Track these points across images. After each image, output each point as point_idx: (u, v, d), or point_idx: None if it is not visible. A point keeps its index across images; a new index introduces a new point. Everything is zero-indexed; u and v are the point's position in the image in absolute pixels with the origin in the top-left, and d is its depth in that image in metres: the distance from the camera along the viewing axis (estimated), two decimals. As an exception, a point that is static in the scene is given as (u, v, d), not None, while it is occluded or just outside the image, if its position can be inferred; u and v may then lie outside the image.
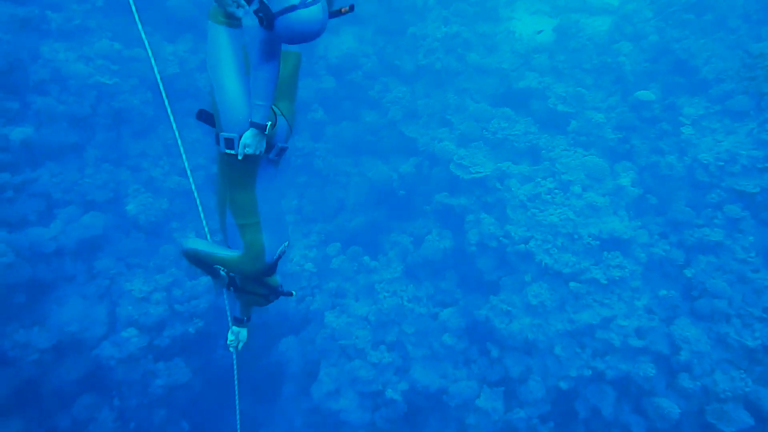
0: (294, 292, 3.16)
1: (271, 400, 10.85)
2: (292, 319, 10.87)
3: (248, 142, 2.50)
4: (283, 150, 2.76)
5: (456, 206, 10.58)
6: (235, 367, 3.40)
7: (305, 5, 2.11)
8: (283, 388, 10.80)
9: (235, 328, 3.33)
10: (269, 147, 2.64)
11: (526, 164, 10.48)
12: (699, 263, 9.23)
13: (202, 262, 2.99)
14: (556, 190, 10.15)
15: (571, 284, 9.59)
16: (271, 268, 2.95)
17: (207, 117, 2.64)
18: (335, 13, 2.29)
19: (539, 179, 10.25)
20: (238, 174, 2.64)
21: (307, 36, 2.18)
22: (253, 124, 2.48)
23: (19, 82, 9.65)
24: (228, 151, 2.55)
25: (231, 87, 2.51)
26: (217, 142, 2.58)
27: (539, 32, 11.05)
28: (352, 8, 2.33)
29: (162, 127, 10.92)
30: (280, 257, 2.93)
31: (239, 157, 2.53)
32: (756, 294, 8.76)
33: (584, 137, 10.17)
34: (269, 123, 2.49)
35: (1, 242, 9.08)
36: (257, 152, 2.54)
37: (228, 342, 3.33)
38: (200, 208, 3.17)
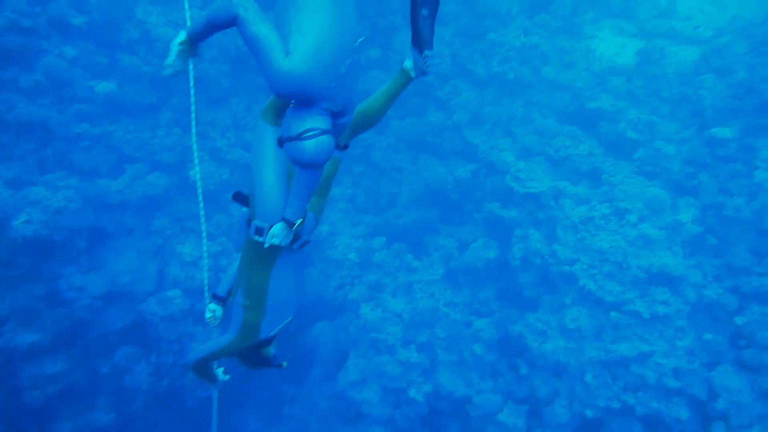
0: (285, 364, 3.21)
1: (298, 380, 11.10)
2: (329, 305, 11.07)
3: (277, 233, 2.65)
4: (306, 242, 2.91)
5: (506, 218, 10.53)
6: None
7: (301, 138, 2.23)
8: (311, 371, 11.02)
9: (212, 305, 3.41)
10: (294, 239, 2.79)
11: (584, 186, 10.32)
12: (752, 312, 8.89)
13: (205, 372, 3.25)
14: (611, 217, 9.96)
15: (612, 314, 9.42)
16: (266, 342, 3.08)
17: (242, 199, 2.86)
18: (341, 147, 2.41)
19: (595, 203, 10.07)
20: (260, 259, 2.80)
21: (302, 164, 2.31)
22: (284, 219, 2.64)
23: (111, 39, 10.15)
24: (256, 237, 2.72)
25: (269, 182, 2.66)
26: (248, 226, 2.76)
27: (696, 27, 10.64)
28: (346, 147, 2.46)
29: (234, 99, 11.29)
30: (276, 334, 3.08)
31: (265, 246, 2.69)
32: (809, 354, 8.39)
33: (650, 167, 9.93)
34: (299, 220, 2.64)
35: (72, 188, 9.64)
36: (282, 244, 2.69)
37: (206, 319, 3.41)
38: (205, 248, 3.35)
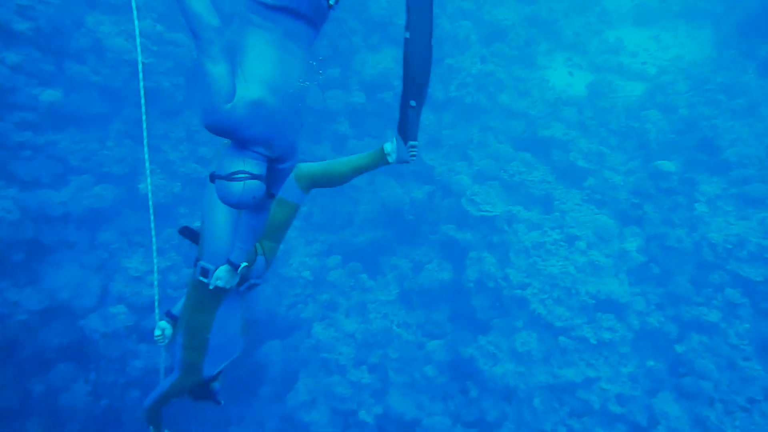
0: (222, 402, 3.24)
1: (246, 400, 10.82)
2: (280, 323, 10.88)
3: (221, 275, 2.66)
4: (254, 285, 2.92)
5: (461, 240, 10.61)
6: (162, 362, 3.36)
7: (230, 178, 2.22)
8: (260, 390, 10.77)
9: (163, 323, 3.34)
10: (241, 281, 2.80)
11: (537, 211, 10.52)
12: (691, 341, 9.20)
13: (155, 417, 3.26)
14: (562, 243, 10.17)
15: (561, 338, 9.58)
16: (212, 379, 3.09)
17: (191, 234, 2.86)
18: (270, 195, 2.42)
19: (547, 228, 10.28)
20: (204, 299, 2.81)
21: (229, 204, 2.32)
22: (229, 262, 2.64)
23: (59, 47, 9.78)
24: (201, 278, 2.71)
25: (219, 223, 2.70)
26: (194, 266, 2.75)
27: (643, 63, 11.00)
28: (272, 196, 2.48)
29: (188, 112, 11.04)
30: (220, 372, 3.08)
31: (210, 287, 2.68)
32: (743, 382, 8.71)
33: (599, 195, 10.21)
34: (244, 264, 2.65)
35: (10, 199, 9.18)
36: (227, 286, 2.69)
37: (155, 336, 3.34)
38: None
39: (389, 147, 2.94)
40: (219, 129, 2.15)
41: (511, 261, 10.27)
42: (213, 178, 2.30)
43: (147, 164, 2.95)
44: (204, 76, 2.12)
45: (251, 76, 2.14)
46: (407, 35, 2.60)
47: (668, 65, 11.93)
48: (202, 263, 2.70)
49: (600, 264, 9.82)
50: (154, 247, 3.15)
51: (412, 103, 2.75)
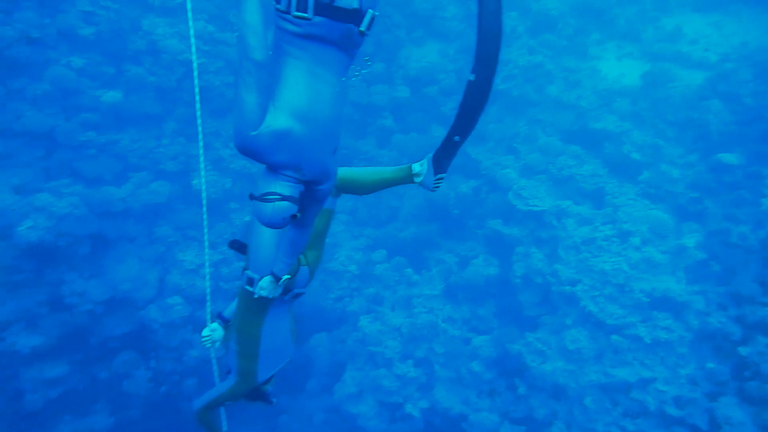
0: (275, 401, 3.34)
1: (294, 391, 11.10)
2: (328, 316, 11.08)
3: (265, 286, 2.76)
4: (298, 295, 3.00)
5: (507, 236, 10.45)
6: (214, 363, 3.44)
7: (261, 199, 2.30)
8: (308, 382, 11.02)
9: (214, 325, 3.41)
10: (285, 291, 2.88)
11: (587, 206, 10.21)
12: (757, 344, 8.70)
13: (209, 420, 3.34)
14: (614, 238, 9.84)
15: (613, 337, 9.30)
16: (264, 384, 3.22)
17: (239, 247, 2.96)
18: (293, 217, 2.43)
19: (598, 224, 9.96)
20: (252, 307, 2.91)
21: (261, 223, 2.36)
22: (272, 274, 2.73)
23: (118, 50, 10.28)
24: (247, 287, 2.83)
25: (265, 236, 2.80)
26: (242, 275, 2.87)
27: (706, 50, 10.45)
28: (294, 217, 2.49)
29: (238, 111, 11.34)
30: (273, 375, 3.19)
31: (255, 296, 2.79)
32: (813, 388, 8.18)
33: (654, 190, 9.79)
34: (286, 276, 2.74)
35: (77, 195, 9.76)
36: (271, 296, 2.79)
37: (203, 337, 3.40)
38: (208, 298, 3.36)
39: (418, 168, 2.94)
40: (246, 152, 2.23)
41: (560, 257, 10.03)
42: (251, 197, 2.39)
43: (201, 161, 3.08)
44: (236, 100, 2.20)
45: (281, 104, 2.19)
46: (472, 78, 2.60)
47: (731, 52, 11.24)
48: (248, 273, 2.82)
49: (656, 261, 9.44)
50: (206, 243, 3.24)
51: (456, 138, 2.77)
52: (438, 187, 2.97)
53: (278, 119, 2.18)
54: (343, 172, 3.06)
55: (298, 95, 2.20)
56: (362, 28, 2.22)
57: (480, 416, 9.81)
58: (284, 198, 2.28)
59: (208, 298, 3.41)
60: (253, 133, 2.16)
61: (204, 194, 3.14)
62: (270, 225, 2.34)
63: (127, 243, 10.42)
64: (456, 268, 10.79)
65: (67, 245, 9.72)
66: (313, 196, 2.43)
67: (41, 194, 9.55)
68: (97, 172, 10.20)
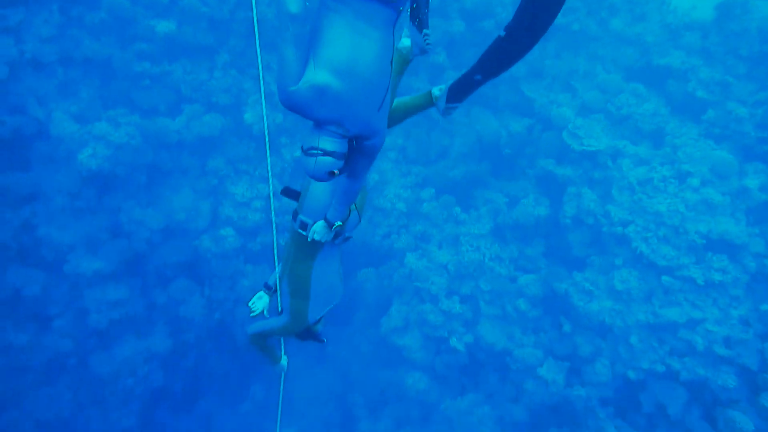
0: (325, 340, 3.46)
1: (342, 324, 11.43)
2: (375, 252, 11.23)
3: (318, 230, 2.83)
4: (348, 238, 3.07)
5: (560, 176, 10.31)
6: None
7: (306, 153, 2.36)
8: (355, 315, 11.31)
9: (261, 293, 3.52)
10: (336, 235, 2.94)
11: (645, 146, 9.96)
12: (816, 285, 8.59)
13: (263, 347, 3.45)
14: (672, 179, 9.63)
15: (664, 278, 9.24)
16: (314, 324, 3.31)
17: (291, 194, 3.02)
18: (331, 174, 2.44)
19: (656, 164, 9.74)
20: (303, 250, 2.99)
21: (307, 174, 2.43)
22: (325, 219, 2.80)
23: (171, -22, 10.16)
24: (300, 231, 2.89)
25: (321, 185, 2.88)
26: (294, 219, 2.93)
27: None
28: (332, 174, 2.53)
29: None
30: (323, 316, 3.29)
31: (308, 240, 2.86)
32: None
33: (719, 129, 9.47)
34: (338, 223, 2.81)
35: (133, 125, 9.91)
36: (323, 240, 2.85)
37: (250, 302, 3.51)
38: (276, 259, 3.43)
39: (437, 92, 2.93)
40: (288, 107, 2.26)
41: (614, 197, 9.88)
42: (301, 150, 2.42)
43: (263, 95, 3.14)
44: (277, 55, 2.23)
45: (321, 61, 2.18)
46: (502, 33, 2.56)
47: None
48: (302, 217, 2.89)
49: (714, 202, 9.24)
50: (270, 174, 3.36)
51: (478, 77, 2.74)
52: (450, 114, 2.97)
53: (317, 75, 2.19)
54: None
55: (338, 51, 2.18)
56: None
57: (524, 351, 9.98)
58: (327, 153, 2.32)
59: (273, 219, 3.41)
60: (293, 88, 2.19)
61: (266, 128, 3.17)
62: (314, 178, 2.41)
63: (180, 174, 10.62)
64: (505, 208, 10.74)
65: (125, 174, 9.97)
66: (362, 149, 2.45)
67: (99, 123, 9.73)
68: (152, 102, 10.29)
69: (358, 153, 2.46)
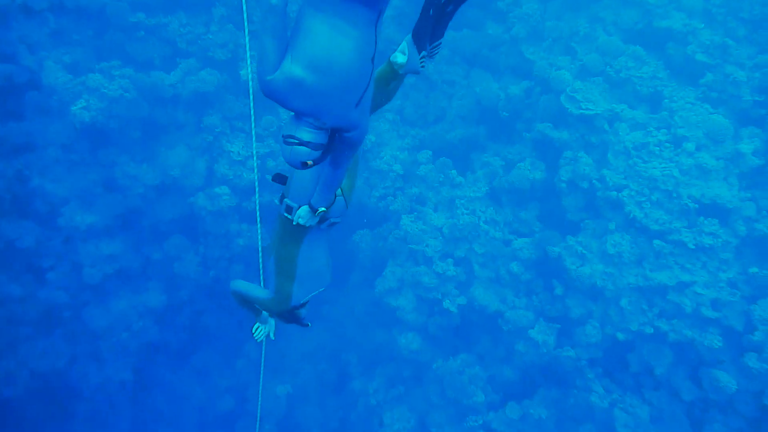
0: (310, 324, 3.47)
1: (337, 285, 11.49)
2: (370, 214, 11.25)
3: (302, 215, 2.85)
4: (334, 223, 3.08)
5: (556, 140, 10.31)
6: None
7: (283, 141, 2.41)
8: (350, 276, 11.38)
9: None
10: (322, 220, 2.97)
11: (642, 110, 9.96)
12: (804, 248, 8.72)
13: (245, 302, 3.44)
14: (667, 144, 9.66)
15: (656, 242, 9.34)
16: (298, 308, 3.32)
17: (280, 179, 3.04)
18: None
19: (652, 129, 9.74)
20: (289, 234, 3.01)
21: (285, 161, 2.49)
22: (309, 204, 2.83)
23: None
24: (285, 214, 2.92)
25: (307, 170, 2.79)
26: (280, 202, 2.97)
27: None
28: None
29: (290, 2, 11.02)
30: (308, 301, 3.31)
31: (293, 223, 2.89)
32: None
33: (716, 93, 9.47)
34: (322, 209, 2.84)
35: (128, 78, 9.77)
36: (308, 224, 2.88)
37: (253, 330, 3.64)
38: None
39: (398, 57, 2.80)
40: (265, 94, 2.30)
41: (609, 162, 9.92)
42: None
43: (248, 51, 3.14)
44: (258, 43, 2.28)
45: (297, 53, 2.21)
46: None
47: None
48: (287, 201, 2.92)
49: (708, 167, 9.29)
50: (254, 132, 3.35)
51: (431, 12, 2.66)
52: (423, 66, 2.85)
53: (292, 67, 2.22)
54: None
55: (314, 46, 2.20)
56: None
57: (516, 313, 10.13)
58: (303, 143, 2.35)
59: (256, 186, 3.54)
60: (269, 77, 2.23)
61: (251, 85, 3.11)
62: (291, 165, 2.45)
63: (176, 130, 10.53)
64: (501, 171, 10.76)
65: (119, 128, 9.88)
66: (343, 140, 2.48)
67: (93, 75, 9.60)
68: (147, 55, 10.15)
69: (339, 143, 2.50)
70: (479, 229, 10.56)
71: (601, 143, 10.06)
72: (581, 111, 10.11)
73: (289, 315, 3.33)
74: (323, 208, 2.82)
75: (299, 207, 2.87)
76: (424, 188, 11.10)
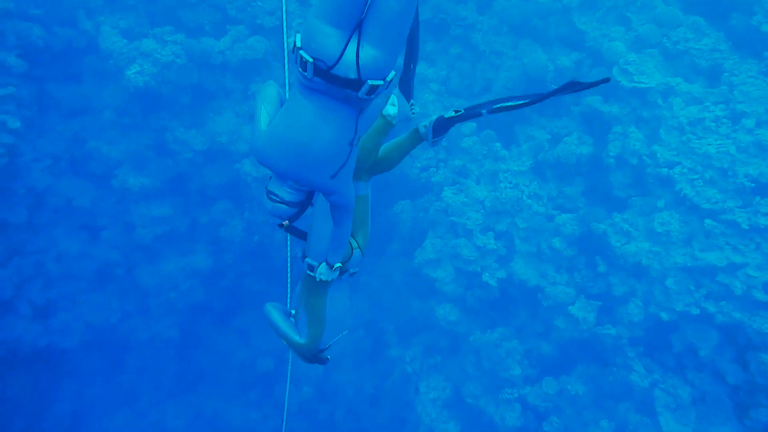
0: (329, 357, 3.56)
1: (377, 254, 11.61)
2: (412, 185, 11.26)
3: (323, 272, 3.06)
4: (354, 273, 3.34)
5: (606, 114, 10.03)
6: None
7: (266, 196, 2.69)
8: (389, 246, 11.47)
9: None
10: (342, 272, 3.19)
11: (699, 84, 9.57)
12: None
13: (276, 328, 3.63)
14: (725, 120, 9.27)
15: (707, 221, 9.04)
16: (323, 351, 3.51)
17: (298, 233, 3.18)
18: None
19: (709, 104, 9.36)
20: (315, 287, 3.22)
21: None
22: (326, 262, 3.04)
23: None
24: (309, 272, 3.15)
25: (322, 227, 3.06)
26: (302, 260, 3.20)
27: None
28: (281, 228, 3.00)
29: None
30: (332, 344, 3.51)
31: (316, 280, 3.10)
32: None
33: (781, 67, 9.04)
34: (338, 265, 3.04)
35: (179, 44, 9.95)
36: (329, 279, 3.09)
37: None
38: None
39: (391, 111, 3.17)
40: (254, 157, 2.66)
41: (661, 138, 9.59)
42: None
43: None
44: (253, 112, 2.66)
45: (274, 129, 2.49)
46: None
47: None
48: (308, 260, 3.14)
49: (768, 144, 8.91)
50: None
51: (412, 66, 3.12)
52: (414, 112, 3.30)
53: (267, 141, 2.50)
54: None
55: (291, 127, 2.45)
56: (360, 95, 2.37)
57: (556, 289, 10.02)
58: (282, 202, 2.61)
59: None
60: (253, 143, 2.57)
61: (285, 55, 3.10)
62: (272, 217, 2.73)
63: (224, 96, 10.70)
64: (547, 145, 10.56)
65: (169, 93, 10.11)
66: (329, 203, 2.71)
67: (147, 40, 9.82)
68: (198, 21, 10.30)
69: (329, 205, 2.75)
70: (522, 203, 10.43)
71: (653, 118, 9.75)
72: (634, 84, 9.80)
73: (312, 357, 3.52)
74: (339, 264, 3.04)
75: (319, 264, 3.08)
76: (467, 161, 11.01)
